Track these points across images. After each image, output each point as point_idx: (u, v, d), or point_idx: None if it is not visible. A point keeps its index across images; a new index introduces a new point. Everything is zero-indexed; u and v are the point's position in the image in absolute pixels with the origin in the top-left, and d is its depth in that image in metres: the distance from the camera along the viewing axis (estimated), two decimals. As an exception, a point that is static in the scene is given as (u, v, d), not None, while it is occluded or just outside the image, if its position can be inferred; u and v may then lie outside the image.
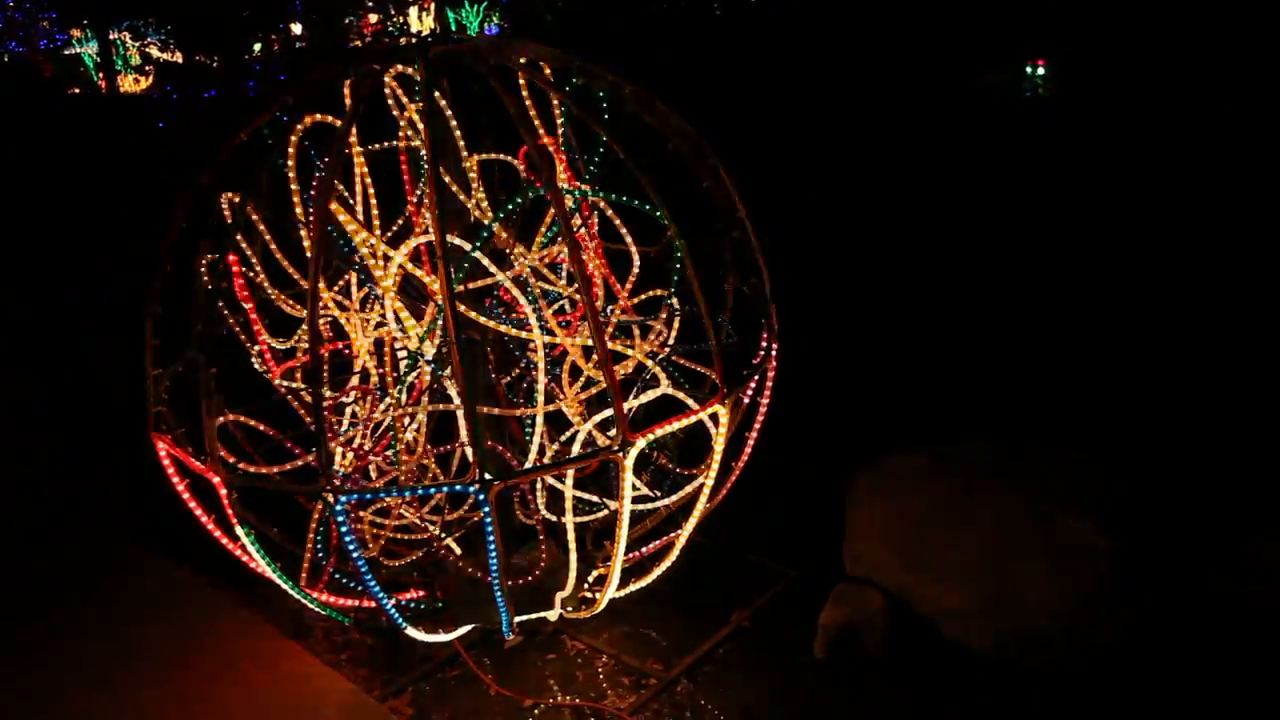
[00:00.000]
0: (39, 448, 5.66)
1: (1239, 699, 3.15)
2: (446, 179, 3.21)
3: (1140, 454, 4.23)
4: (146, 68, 37.82)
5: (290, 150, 3.13)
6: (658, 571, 3.47)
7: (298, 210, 3.35)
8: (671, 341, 3.58)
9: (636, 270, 3.59)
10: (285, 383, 3.59)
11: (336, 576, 3.36)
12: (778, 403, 3.64)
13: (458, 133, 3.27)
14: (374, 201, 3.36)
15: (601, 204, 3.60)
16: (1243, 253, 7.55)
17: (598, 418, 3.39)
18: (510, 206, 3.20)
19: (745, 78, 19.69)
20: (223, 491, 3.03)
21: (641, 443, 2.91)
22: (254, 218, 3.41)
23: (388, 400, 3.40)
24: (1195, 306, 6.53)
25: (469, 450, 3.09)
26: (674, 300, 3.60)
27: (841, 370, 5.89)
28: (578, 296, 3.40)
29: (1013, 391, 5.44)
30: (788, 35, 24.46)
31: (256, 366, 3.62)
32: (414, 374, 3.34)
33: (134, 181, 13.81)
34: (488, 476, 2.75)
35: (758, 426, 3.61)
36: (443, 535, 3.63)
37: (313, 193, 3.31)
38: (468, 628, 3.46)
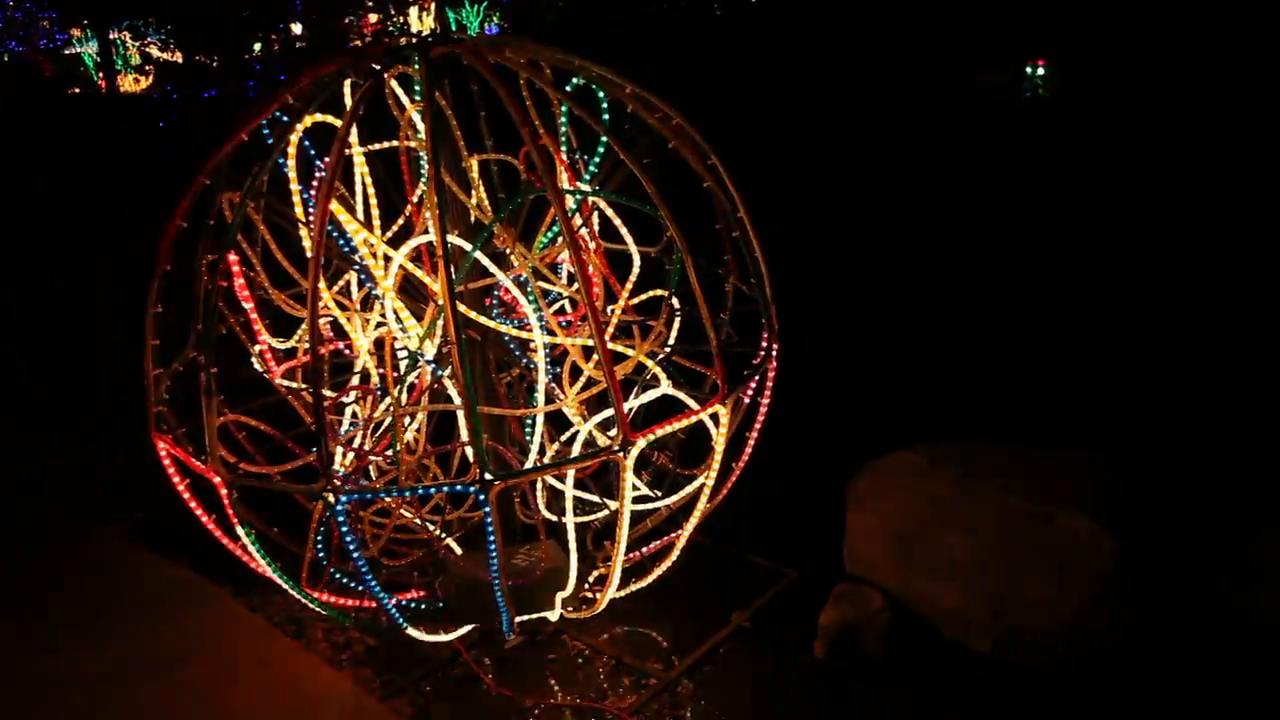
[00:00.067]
0: (39, 447, 5.66)
1: (1239, 699, 3.15)
2: (447, 179, 3.21)
3: (1140, 454, 4.22)
4: (146, 67, 37.75)
5: (290, 150, 3.13)
6: (658, 571, 3.47)
7: (298, 210, 3.35)
8: (671, 341, 3.59)
9: (636, 270, 3.59)
10: (285, 383, 3.59)
11: (336, 576, 3.36)
12: (778, 403, 3.64)
13: (458, 133, 3.27)
14: (374, 201, 3.36)
15: (602, 204, 3.60)
16: (1243, 253, 7.56)
17: (598, 418, 3.39)
18: (510, 206, 3.20)
19: (745, 78, 19.68)
20: (223, 491, 3.03)
21: (642, 443, 2.91)
22: (254, 218, 3.41)
23: (388, 400, 3.40)
24: (1195, 306, 6.53)
25: (469, 450, 3.09)
26: (674, 300, 3.60)
27: (841, 370, 5.89)
28: (578, 297, 3.40)
29: (1013, 391, 5.44)
30: (788, 35, 24.46)
31: (256, 366, 3.62)
32: (414, 374, 3.34)
33: (134, 181, 13.80)
34: (488, 476, 2.76)
35: (758, 426, 3.61)
36: (443, 535, 3.63)
37: (313, 193, 3.31)
38: (468, 628, 3.46)
